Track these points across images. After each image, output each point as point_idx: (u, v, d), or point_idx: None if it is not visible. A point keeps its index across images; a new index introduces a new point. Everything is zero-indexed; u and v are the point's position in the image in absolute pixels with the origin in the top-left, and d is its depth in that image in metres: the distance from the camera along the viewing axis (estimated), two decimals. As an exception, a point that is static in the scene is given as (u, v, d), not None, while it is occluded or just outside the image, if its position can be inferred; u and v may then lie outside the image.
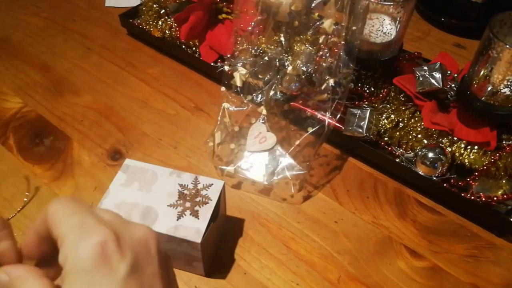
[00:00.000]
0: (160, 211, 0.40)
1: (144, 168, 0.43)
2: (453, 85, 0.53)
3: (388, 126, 0.54)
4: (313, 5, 0.50)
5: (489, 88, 0.47)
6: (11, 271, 0.24)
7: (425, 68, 0.51)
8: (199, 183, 0.42)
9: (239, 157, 0.52)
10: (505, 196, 0.47)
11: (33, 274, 0.24)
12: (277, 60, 0.52)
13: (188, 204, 0.41)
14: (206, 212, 0.40)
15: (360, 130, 0.51)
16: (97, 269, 0.22)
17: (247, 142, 0.53)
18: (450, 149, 0.50)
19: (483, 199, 0.47)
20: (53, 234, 0.24)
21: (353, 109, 0.52)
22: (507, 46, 0.43)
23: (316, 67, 0.50)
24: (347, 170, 0.54)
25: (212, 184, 0.42)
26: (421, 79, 0.51)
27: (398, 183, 0.53)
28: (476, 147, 0.49)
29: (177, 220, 0.39)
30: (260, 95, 0.52)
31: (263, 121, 0.53)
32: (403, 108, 0.54)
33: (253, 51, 0.53)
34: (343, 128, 0.52)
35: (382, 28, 0.53)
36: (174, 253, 0.40)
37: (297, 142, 0.51)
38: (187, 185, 0.42)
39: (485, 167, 0.48)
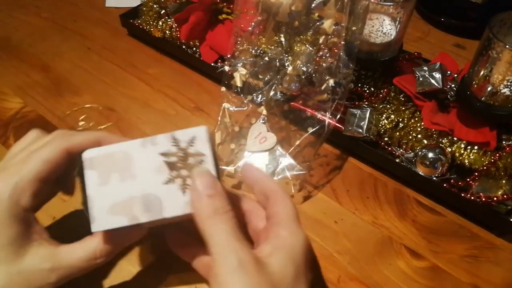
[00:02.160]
0: (160, 194, 0.34)
1: (110, 153, 0.35)
2: (453, 85, 0.53)
3: (388, 126, 0.54)
4: (313, 5, 0.50)
5: (489, 88, 0.47)
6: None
7: (425, 68, 0.52)
8: (180, 141, 0.35)
9: (239, 157, 0.52)
10: (505, 196, 0.47)
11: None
12: (277, 60, 0.52)
13: (184, 172, 0.34)
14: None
15: (360, 130, 0.51)
16: (303, 259, 0.33)
17: (247, 142, 0.53)
18: (450, 149, 0.50)
19: (483, 199, 0.47)
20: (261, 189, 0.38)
21: (353, 109, 0.52)
22: (507, 46, 0.43)
23: (316, 67, 0.50)
24: (347, 170, 0.54)
25: (195, 137, 0.35)
26: (421, 79, 0.52)
27: (398, 183, 0.53)
28: (476, 147, 0.49)
29: (184, 194, 0.34)
30: (260, 95, 0.52)
31: (263, 121, 0.53)
32: (403, 108, 0.54)
33: (253, 51, 0.54)
34: (343, 128, 0.52)
35: (382, 28, 0.53)
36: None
37: (297, 142, 0.51)
38: (170, 151, 0.35)
39: (485, 167, 0.48)
